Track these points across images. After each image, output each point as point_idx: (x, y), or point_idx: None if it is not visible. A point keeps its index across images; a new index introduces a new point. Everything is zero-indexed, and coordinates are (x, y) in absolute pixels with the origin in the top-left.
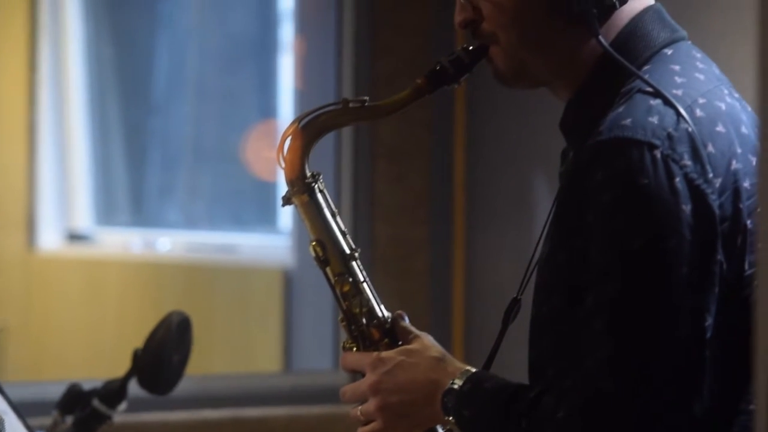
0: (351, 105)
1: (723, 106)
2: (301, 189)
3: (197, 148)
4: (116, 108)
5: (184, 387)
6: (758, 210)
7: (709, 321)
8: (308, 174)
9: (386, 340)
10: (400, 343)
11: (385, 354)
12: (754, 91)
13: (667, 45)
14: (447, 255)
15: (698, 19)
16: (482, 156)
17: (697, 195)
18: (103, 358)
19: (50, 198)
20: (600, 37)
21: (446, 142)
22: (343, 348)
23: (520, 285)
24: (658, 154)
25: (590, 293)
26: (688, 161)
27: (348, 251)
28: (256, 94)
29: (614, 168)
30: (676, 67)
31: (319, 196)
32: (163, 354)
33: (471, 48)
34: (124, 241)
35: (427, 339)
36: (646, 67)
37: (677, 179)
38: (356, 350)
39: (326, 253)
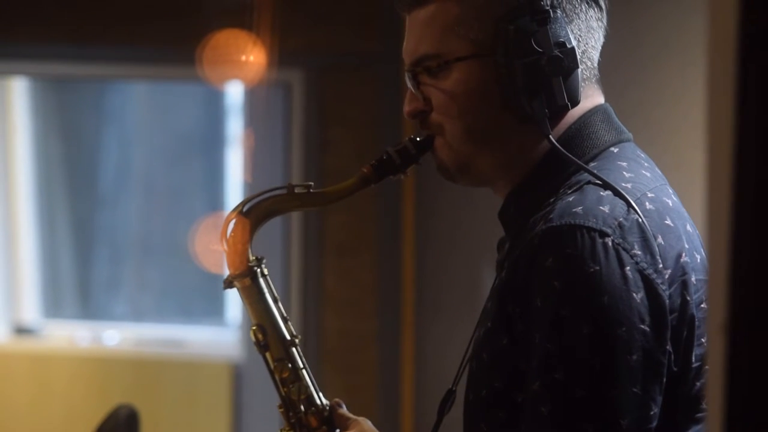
0: (296, 190)
1: (670, 203)
2: (244, 272)
3: (145, 241)
4: (64, 202)
5: None
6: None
7: (655, 410)
8: (251, 258)
9: (324, 427)
10: (337, 431)
11: None
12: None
13: (613, 144)
14: (396, 348)
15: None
16: (431, 248)
17: (648, 284)
18: None
19: None
20: (551, 137)
21: (395, 235)
22: None
23: (455, 375)
24: (609, 241)
25: (537, 378)
26: (638, 251)
27: (288, 337)
28: (204, 188)
29: (565, 254)
30: (624, 164)
31: (261, 280)
32: None
33: (418, 138)
34: (72, 334)
35: (366, 424)
36: (592, 164)
37: (628, 267)
38: None
39: (266, 338)
